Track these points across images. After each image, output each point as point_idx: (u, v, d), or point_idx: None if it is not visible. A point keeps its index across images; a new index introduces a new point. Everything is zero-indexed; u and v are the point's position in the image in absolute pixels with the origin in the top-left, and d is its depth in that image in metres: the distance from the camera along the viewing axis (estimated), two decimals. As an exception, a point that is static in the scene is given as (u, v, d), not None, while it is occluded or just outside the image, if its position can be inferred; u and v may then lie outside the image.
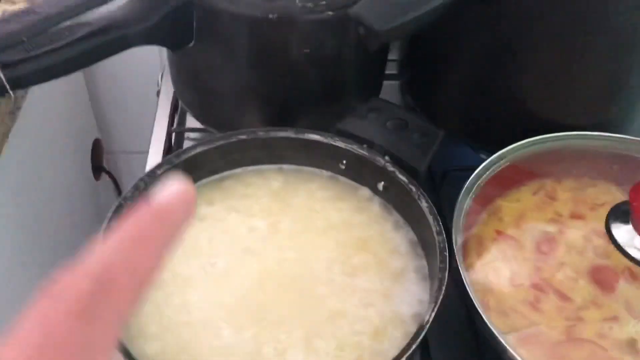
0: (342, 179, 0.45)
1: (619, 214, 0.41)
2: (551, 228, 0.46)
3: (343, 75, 0.49)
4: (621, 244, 0.40)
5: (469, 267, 0.43)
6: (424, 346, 0.44)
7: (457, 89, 0.55)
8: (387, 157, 0.43)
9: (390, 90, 0.62)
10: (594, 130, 0.51)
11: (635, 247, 0.40)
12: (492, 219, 0.47)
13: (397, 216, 0.43)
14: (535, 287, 0.42)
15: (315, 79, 0.48)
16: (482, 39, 0.51)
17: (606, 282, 0.42)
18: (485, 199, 0.48)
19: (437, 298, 0.33)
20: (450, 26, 0.51)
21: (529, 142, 0.49)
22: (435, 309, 0.33)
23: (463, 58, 0.53)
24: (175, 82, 0.54)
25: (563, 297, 0.42)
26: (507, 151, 0.48)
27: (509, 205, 0.48)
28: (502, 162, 0.48)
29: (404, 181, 0.41)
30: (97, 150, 0.85)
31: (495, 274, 0.43)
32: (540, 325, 0.40)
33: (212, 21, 0.44)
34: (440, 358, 0.44)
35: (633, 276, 0.42)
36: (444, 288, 0.34)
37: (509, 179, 0.49)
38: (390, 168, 0.41)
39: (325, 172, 0.45)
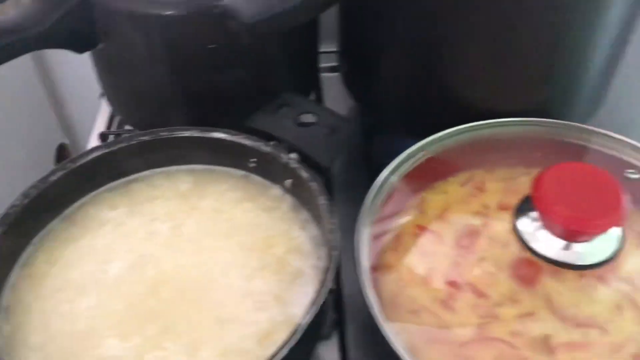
0: (254, 177, 0.43)
1: (528, 204, 0.39)
2: (476, 221, 0.44)
3: (262, 70, 0.47)
4: (524, 236, 0.38)
5: (385, 265, 0.42)
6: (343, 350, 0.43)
7: (392, 80, 0.53)
8: (294, 154, 0.41)
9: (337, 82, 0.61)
10: (532, 116, 0.49)
11: (539, 240, 0.37)
12: (414, 213, 0.45)
13: (305, 214, 0.41)
14: (450, 283, 0.40)
15: (232, 74, 0.46)
16: (413, 28, 0.49)
17: (527, 276, 0.40)
18: (409, 193, 0.46)
19: (315, 300, 0.32)
20: (381, 16, 0.50)
21: (454, 131, 0.47)
22: (314, 312, 0.31)
23: (395, 48, 0.51)
24: (100, 83, 0.53)
25: (479, 293, 0.40)
26: (428, 142, 0.46)
27: (433, 198, 0.46)
28: (422, 153, 0.46)
29: (306, 178, 0.39)
30: (62, 156, 0.85)
31: (410, 272, 0.41)
32: (450, 325, 0.38)
33: (112, 21, 0.43)
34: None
35: (558, 269, 0.40)
36: (325, 290, 0.32)
37: (436, 171, 0.47)
38: (294, 165, 0.40)
39: (237, 172, 0.44)
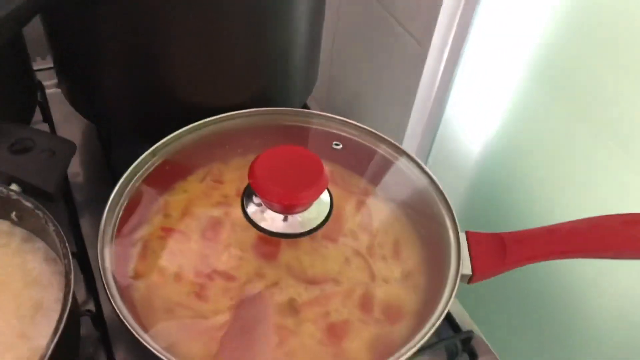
0: (-24, 217, 0.41)
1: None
2: (218, 212, 0.47)
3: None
4: (252, 217, 0.42)
5: (137, 274, 0.42)
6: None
7: (110, 90, 0.52)
8: (13, 185, 0.39)
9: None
10: (256, 106, 0.53)
11: (265, 219, 0.42)
12: (159, 218, 0.46)
13: (40, 243, 0.40)
14: (200, 275, 0.43)
15: None
16: (119, 35, 0.48)
17: (269, 251, 0.44)
18: (151, 199, 0.47)
19: (56, 329, 0.32)
20: (85, 27, 0.49)
21: (182, 131, 0.49)
22: (55, 340, 0.31)
23: (105, 57, 0.50)
24: None
25: (228, 277, 0.42)
26: (158, 146, 0.48)
27: (175, 199, 0.48)
28: (155, 158, 0.47)
29: (30, 208, 0.38)
30: None
31: (160, 275, 0.43)
32: (206, 313, 0.41)
33: None
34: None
35: (294, 240, 0.45)
36: (64, 318, 0.32)
37: (173, 172, 0.49)
38: (14, 197, 0.38)
39: (-48, 215, 0.41)
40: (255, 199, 0.43)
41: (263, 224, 0.42)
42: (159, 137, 0.49)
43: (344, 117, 0.52)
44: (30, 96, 0.53)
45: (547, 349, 0.59)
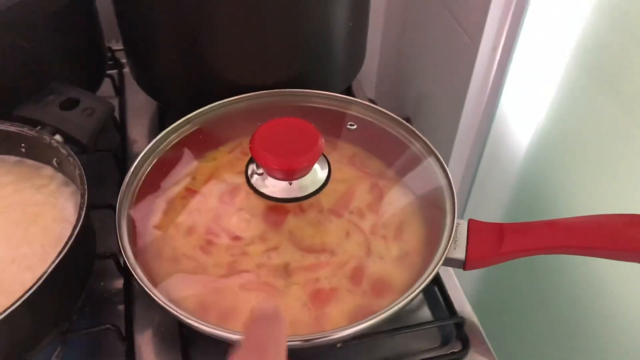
0: (27, 161, 0.47)
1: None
2: (238, 179, 0.51)
3: (29, 63, 0.51)
4: (255, 184, 0.45)
5: (157, 226, 0.47)
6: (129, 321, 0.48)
7: (164, 67, 0.58)
8: (57, 136, 0.46)
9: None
10: (292, 87, 0.56)
11: (267, 186, 0.45)
12: (187, 180, 0.51)
13: (73, 187, 0.46)
14: (209, 232, 0.47)
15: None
16: (174, 18, 0.54)
17: (276, 218, 0.47)
18: (182, 164, 0.52)
19: (61, 251, 0.37)
20: (147, 12, 0.55)
21: (216, 105, 0.54)
22: (52, 267, 0.36)
23: (158, 40, 0.56)
24: None
25: (233, 237, 0.46)
26: (191, 116, 0.52)
27: (204, 164, 0.52)
28: (188, 126, 0.52)
29: (64, 154, 0.44)
30: None
31: (175, 228, 0.47)
32: (207, 265, 0.44)
33: None
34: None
35: (302, 209, 0.47)
36: (67, 247, 0.37)
37: (207, 142, 0.53)
38: (55, 145, 0.44)
39: (10, 158, 0.47)
40: (260, 169, 0.46)
41: (264, 190, 0.45)
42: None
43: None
44: (99, 69, 0.60)
45: (547, 351, 0.57)
